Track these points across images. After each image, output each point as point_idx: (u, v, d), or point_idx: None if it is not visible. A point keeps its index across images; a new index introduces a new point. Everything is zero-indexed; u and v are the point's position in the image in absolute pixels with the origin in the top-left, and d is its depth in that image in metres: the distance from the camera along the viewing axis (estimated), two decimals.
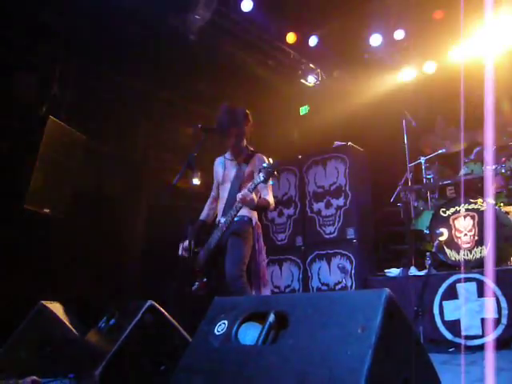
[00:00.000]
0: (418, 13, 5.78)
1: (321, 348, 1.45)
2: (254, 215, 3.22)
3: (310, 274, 4.61)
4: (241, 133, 3.24)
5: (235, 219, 3.06)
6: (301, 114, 7.12)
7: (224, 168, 3.31)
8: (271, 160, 2.88)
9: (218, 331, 1.80)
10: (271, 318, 1.66)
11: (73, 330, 2.80)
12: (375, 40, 6.10)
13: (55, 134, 4.25)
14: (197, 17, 5.29)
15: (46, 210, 4.18)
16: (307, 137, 6.62)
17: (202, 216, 3.45)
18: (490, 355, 3.18)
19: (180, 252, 3.24)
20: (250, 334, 1.72)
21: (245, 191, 2.92)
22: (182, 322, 2.38)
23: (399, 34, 6.01)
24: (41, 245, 4.15)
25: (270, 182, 2.85)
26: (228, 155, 3.34)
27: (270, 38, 6.10)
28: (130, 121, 5.50)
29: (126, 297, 4.49)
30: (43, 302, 2.94)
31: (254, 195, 2.95)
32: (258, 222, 3.24)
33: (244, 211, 3.10)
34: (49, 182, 4.19)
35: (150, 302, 2.24)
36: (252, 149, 3.30)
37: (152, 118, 5.83)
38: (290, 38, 6.20)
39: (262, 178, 2.82)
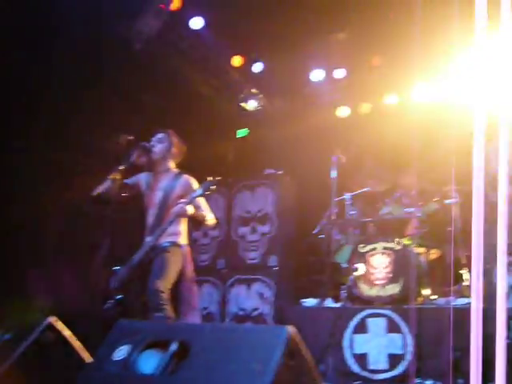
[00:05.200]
0: (358, 56, 6.07)
1: (219, 382, 1.44)
2: (184, 240, 3.19)
3: (228, 298, 4.59)
4: (169, 153, 3.23)
5: (164, 244, 3.02)
6: (238, 136, 7.17)
7: (149, 187, 3.25)
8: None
9: (118, 356, 1.73)
10: (174, 346, 1.63)
11: None
12: (316, 75, 6.30)
13: None
14: (144, 26, 5.23)
15: None
16: (242, 160, 6.67)
17: None
18: None
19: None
20: (150, 361, 1.67)
21: (180, 205, 2.93)
22: (91, 343, 2.26)
23: (340, 73, 6.26)
24: None
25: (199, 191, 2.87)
26: (154, 173, 3.30)
27: (216, 59, 6.14)
28: (60, 122, 5.29)
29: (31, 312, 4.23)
30: None
31: (190, 208, 2.96)
32: (188, 248, 3.21)
33: (173, 236, 3.08)
34: None
35: (49, 320, 2.12)
36: (178, 170, 3.29)
37: (87, 122, 5.63)
38: (236, 61, 6.27)
39: (199, 192, 2.84)
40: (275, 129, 6.48)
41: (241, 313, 4.50)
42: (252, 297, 4.45)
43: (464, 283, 4.23)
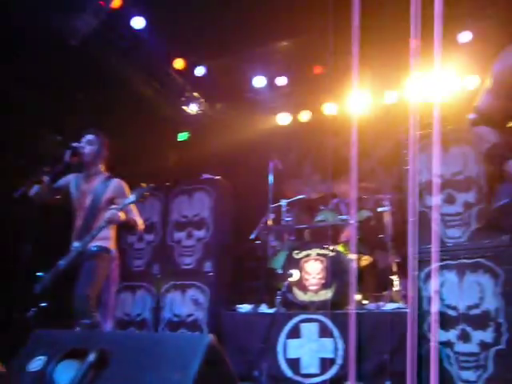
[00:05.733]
0: (300, 64, 6.18)
1: None
2: (113, 246, 3.10)
3: (162, 304, 4.51)
4: (100, 155, 3.14)
5: (93, 248, 2.93)
6: (179, 139, 7.09)
7: (79, 189, 3.14)
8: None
9: (33, 368, 1.65)
10: (92, 356, 1.57)
11: None
12: (259, 82, 6.35)
13: None
14: (81, 23, 5.06)
15: None
16: (181, 164, 6.60)
17: None
18: None
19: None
20: (67, 372, 1.60)
21: (112, 211, 2.84)
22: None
23: (281, 81, 6.34)
24: None
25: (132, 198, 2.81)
26: (84, 176, 3.19)
27: (157, 60, 6.05)
28: None
29: None
30: None
31: (121, 214, 2.88)
32: (117, 254, 3.12)
33: (103, 240, 2.99)
34: None
35: None
36: (108, 173, 3.21)
37: (19, 122, 5.36)
38: (179, 63, 6.21)
39: (132, 199, 2.77)
40: (216, 133, 6.46)
41: (175, 319, 4.43)
42: (187, 303, 4.40)
43: (394, 289, 4.38)
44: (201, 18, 5.33)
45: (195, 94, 6.71)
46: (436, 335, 3.53)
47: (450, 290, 3.56)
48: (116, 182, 3.12)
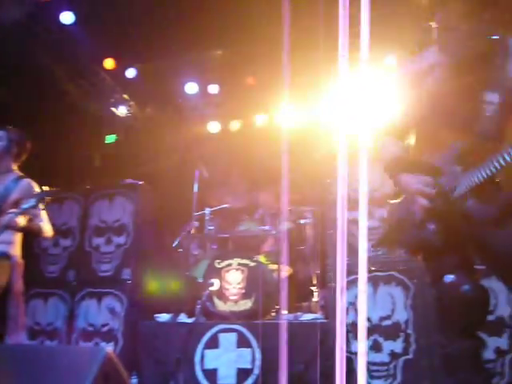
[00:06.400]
0: (232, 74, 6.21)
1: None
2: (15, 251, 2.90)
3: (76, 313, 4.30)
4: (9, 152, 2.95)
5: None
6: (106, 142, 6.87)
7: None
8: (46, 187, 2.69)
9: None
10: None
11: None
12: (190, 88, 6.31)
13: None
14: (3, 14, 4.78)
15: None
16: (106, 167, 6.40)
17: None
18: None
19: None
20: None
21: (10, 215, 2.65)
22: None
23: (213, 89, 6.34)
24: None
25: (40, 207, 2.64)
26: None
27: (86, 58, 5.83)
28: None
29: None
30: None
31: (21, 219, 2.70)
32: (20, 261, 2.92)
33: (4, 245, 2.80)
34: None
35: None
36: (20, 173, 3.02)
37: None
38: (109, 63, 6.02)
39: (31, 204, 2.59)
40: (144, 137, 6.34)
41: (89, 328, 4.24)
42: (102, 312, 4.22)
43: (314, 299, 4.47)
44: (135, 18, 5.22)
45: (125, 96, 6.55)
46: (351, 345, 3.65)
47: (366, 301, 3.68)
48: (25, 183, 2.94)
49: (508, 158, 1.64)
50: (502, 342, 3.43)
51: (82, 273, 4.46)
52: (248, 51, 5.74)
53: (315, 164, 4.51)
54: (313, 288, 4.52)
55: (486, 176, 1.74)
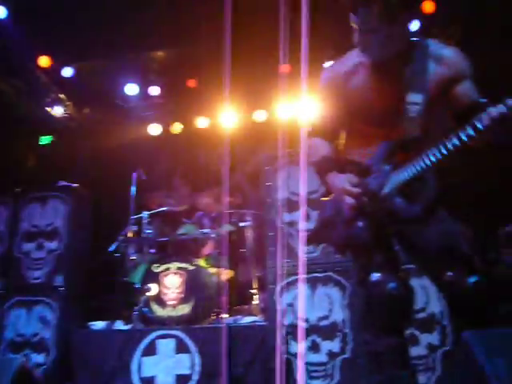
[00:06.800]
0: (174, 75, 6.14)
1: None
2: None
3: (5, 323, 4.06)
4: None
5: None
6: (40, 143, 6.59)
7: None
8: None
9: None
10: None
11: None
12: (131, 89, 6.18)
13: None
14: None
15: None
16: (40, 169, 6.14)
17: None
18: None
19: None
20: None
21: None
22: None
23: (155, 91, 6.24)
24: None
25: None
26: None
27: (20, 55, 5.56)
28: None
29: None
30: None
31: None
32: None
33: None
34: None
35: None
36: None
37: None
38: (44, 61, 5.79)
39: None
40: (81, 139, 6.14)
41: (18, 339, 4.01)
42: (33, 321, 4.01)
43: (254, 302, 4.47)
44: (72, 15, 5.04)
45: (61, 95, 6.31)
46: (290, 347, 3.67)
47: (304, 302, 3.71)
48: None
49: (433, 158, 1.71)
50: (433, 338, 3.52)
51: (11, 280, 4.22)
52: (190, 53, 5.70)
53: (256, 166, 4.53)
54: (253, 291, 4.52)
55: (412, 175, 1.80)
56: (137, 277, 4.21)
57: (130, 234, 4.38)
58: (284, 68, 4.85)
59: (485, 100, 1.78)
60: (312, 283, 3.72)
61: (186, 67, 5.98)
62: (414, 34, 1.90)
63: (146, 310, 3.94)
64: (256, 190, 5.09)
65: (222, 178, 5.24)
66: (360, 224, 1.90)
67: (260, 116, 6.13)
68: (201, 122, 6.36)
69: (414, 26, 4.92)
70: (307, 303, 3.73)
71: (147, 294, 3.91)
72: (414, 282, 3.69)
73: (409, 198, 1.85)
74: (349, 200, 1.88)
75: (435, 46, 1.91)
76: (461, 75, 1.86)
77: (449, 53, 1.88)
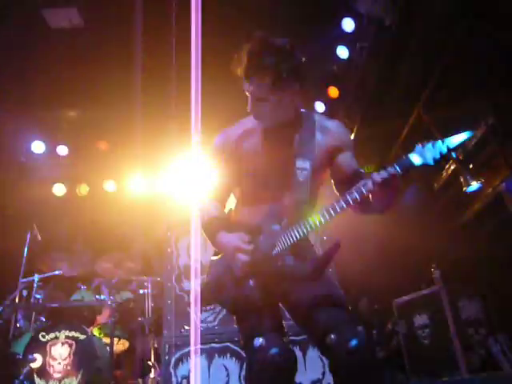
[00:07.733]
0: (84, 137, 6.07)
1: None
2: None
3: None
4: None
5: None
6: None
7: None
8: None
9: None
10: None
11: None
12: (37, 147, 6.02)
13: None
14: None
15: None
16: None
17: None
18: None
19: None
20: None
21: None
22: None
23: (63, 150, 6.10)
24: None
25: None
26: None
27: None
28: None
29: None
30: None
31: None
32: None
33: None
34: None
35: None
36: None
37: None
38: None
39: None
40: None
41: None
42: None
43: (151, 375, 4.26)
44: None
45: None
46: None
47: (200, 374, 3.59)
48: None
49: (318, 222, 1.82)
50: None
51: None
52: (101, 115, 5.70)
53: (158, 234, 4.49)
54: (151, 363, 4.32)
55: (301, 235, 1.88)
56: (21, 346, 3.86)
57: (17, 299, 4.05)
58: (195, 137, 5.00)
59: (362, 170, 1.97)
60: (208, 354, 3.64)
61: (96, 128, 5.95)
62: (302, 105, 2.07)
63: (27, 383, 3.60)
64: (160, 256, 5.03)
65: (125, 243, 5.12)
66: (251, 283, 1.90)
67: (162, 183, 6.19)
68: (108, 186, 6.26)
69: (320, 107, 5.37)
70: (203, 375, 3.63)
71: (30, 365, 3.59)
72: (311, 353, 3.76)
73: (299, 257, 1.89)
74: (242, 257, 1.89)
75: (320, 117, 2.09)
76: (344, 145, 2.02)
77: (333, 124, 2.06)
